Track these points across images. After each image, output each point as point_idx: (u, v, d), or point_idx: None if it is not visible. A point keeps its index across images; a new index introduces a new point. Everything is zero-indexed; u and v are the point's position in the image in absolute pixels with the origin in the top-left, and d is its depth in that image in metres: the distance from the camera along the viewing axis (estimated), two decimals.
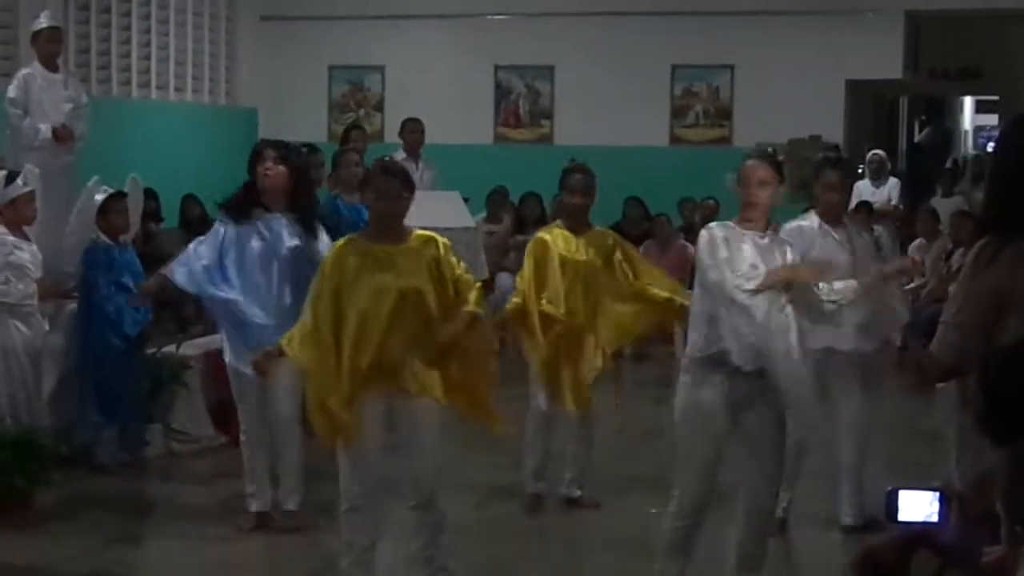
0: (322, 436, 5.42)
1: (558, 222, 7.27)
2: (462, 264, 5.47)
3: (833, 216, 6.78)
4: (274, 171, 6.59)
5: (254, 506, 6.79)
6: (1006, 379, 3.06)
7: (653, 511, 7.28)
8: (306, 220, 6.67)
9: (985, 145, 19.27)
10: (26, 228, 7.91)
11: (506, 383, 7.71)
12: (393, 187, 5.42)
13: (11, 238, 7.75)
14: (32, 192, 7.89)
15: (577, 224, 7.12)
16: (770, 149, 5.61)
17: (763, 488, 5.26)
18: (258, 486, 6.78)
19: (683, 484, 5.29)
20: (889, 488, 2.92)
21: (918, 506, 2.89)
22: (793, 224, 6.66)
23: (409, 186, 5.52)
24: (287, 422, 6.72)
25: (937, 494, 2.88)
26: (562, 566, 6.77)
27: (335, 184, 9.08)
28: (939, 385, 8.18)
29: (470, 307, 5.38)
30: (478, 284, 5.54)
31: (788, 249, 5.25)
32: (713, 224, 5.30)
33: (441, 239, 5.49)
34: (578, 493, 7.29)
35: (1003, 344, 3.48)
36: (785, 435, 5.30)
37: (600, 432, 7.49)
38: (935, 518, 2.87)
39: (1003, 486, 2.85)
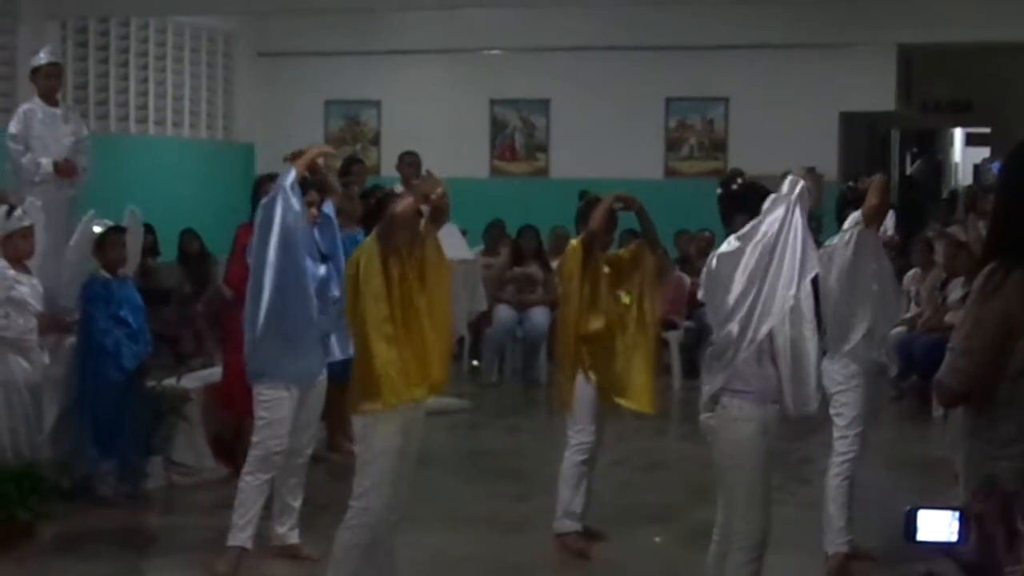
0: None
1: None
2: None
3: None
4: None
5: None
6: None
7: (657, 540, 7.30)
8: None
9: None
10: (27, 261, 7.93)
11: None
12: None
13: (11, 272, 7.76)
14: (30, 227, 7.89)
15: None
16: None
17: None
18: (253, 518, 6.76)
19: (754, 519, 5.23)
20: (908, 507, 2.91)
21: (937, 526, 2.88)
22: None
23: None
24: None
25: (957, 513, 2.88)
26: None
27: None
28: (938, 412, 8.14)
29: None
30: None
31: None
32: None
33: None
34: (583, 525, 7.13)
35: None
36: None
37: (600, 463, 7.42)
38: (954, 538, 2.86)
39: None
